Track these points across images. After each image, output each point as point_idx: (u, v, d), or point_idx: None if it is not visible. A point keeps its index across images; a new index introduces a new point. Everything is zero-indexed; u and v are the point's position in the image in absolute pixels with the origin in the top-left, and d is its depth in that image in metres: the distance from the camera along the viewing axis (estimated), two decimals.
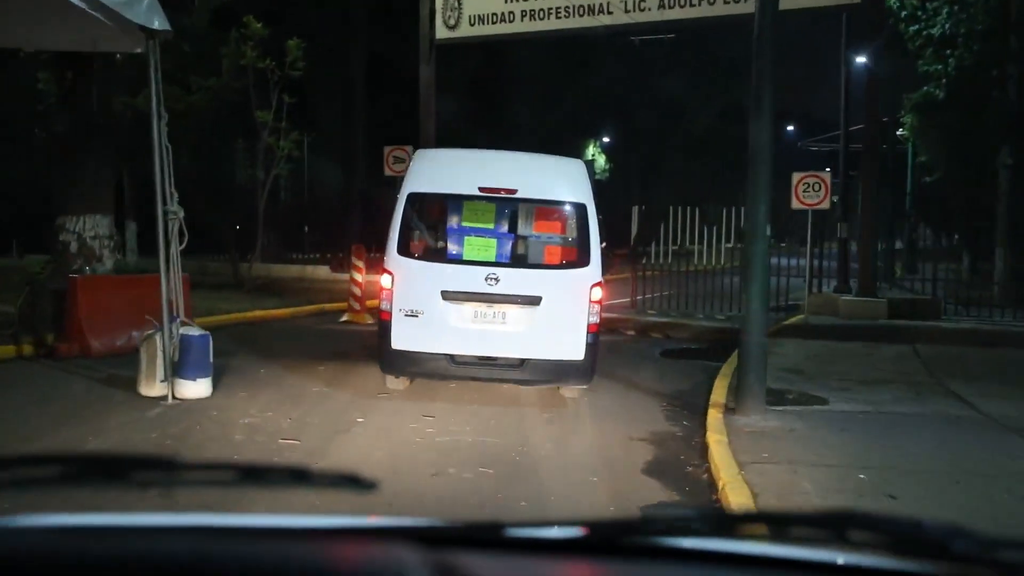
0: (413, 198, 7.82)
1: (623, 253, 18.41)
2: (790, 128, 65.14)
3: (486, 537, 1.17)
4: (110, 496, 1.23)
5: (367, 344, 10.99)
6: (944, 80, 17.19)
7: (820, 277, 18.24)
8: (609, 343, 12.08)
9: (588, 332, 7.62)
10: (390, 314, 7.61)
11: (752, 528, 1.19)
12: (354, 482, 1.27)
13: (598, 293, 7.68)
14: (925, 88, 18.94)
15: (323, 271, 21.67)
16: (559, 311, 7.63)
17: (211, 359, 7.50)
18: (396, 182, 18.18)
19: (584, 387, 8.14)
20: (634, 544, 1.17)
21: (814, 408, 7.70)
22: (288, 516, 1.25)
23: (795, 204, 14.32)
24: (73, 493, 1.19)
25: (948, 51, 17.06)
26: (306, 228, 26.84)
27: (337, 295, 15.52)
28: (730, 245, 17.83)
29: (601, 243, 7.92)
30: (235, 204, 19.99)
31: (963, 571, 1.09)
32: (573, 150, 40.40)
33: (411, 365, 7.77)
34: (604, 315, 8.18)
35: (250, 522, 1.23)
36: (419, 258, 7.81)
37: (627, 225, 35.66)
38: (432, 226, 8.17)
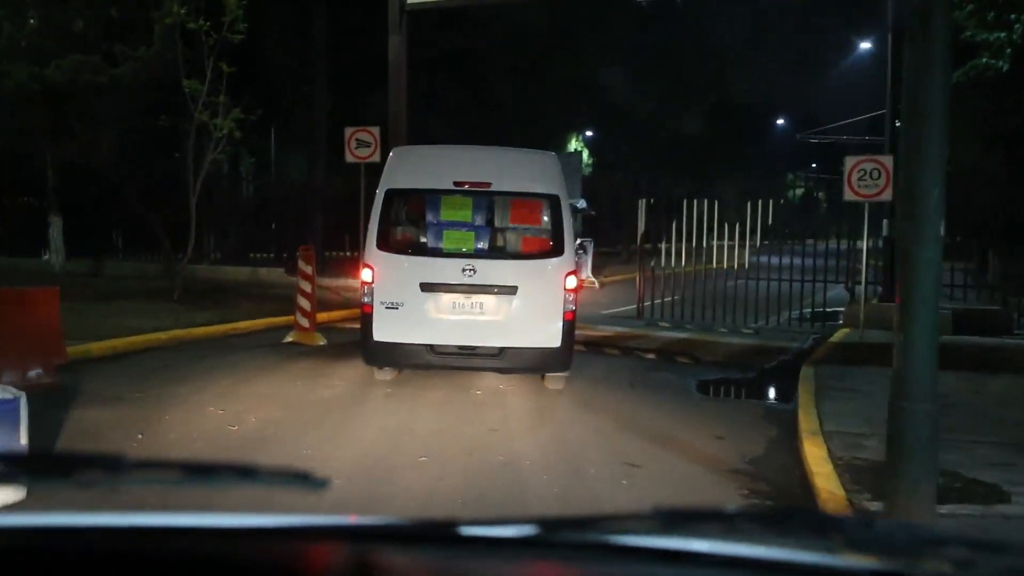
0: (390, 194, 8.08)
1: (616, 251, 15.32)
2: (780, 121, 63.13)
3: (437, 535, 1.20)
4: (51, 494, 1.15)
5: (317, 377, 8.20)
6: (1009, 49, 14.62)
7: (854, 282, 15.64)
8: (627, 369, 9.41)
9: (564, 320, 7.76)
10: (371, 307, 7.86)
11: (703, 526, 1.18)
12: (305, 479, 1.26)
13: (572, 282, 7.84)
14: (977, 61, 16.36)
15: (278, 274, 18.79)
16: (535, 300, 7.84)
17: (23, 439, 4.61)
18: (360, 169, 15.41)
19: (564, 375, 8.24)
20: (587, 542, 1.19)
21: (997, 510, 4.99)
22: (226, 515, 1.23)
23: (848, 195, 11.67)
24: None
25: (1013, 15, 14.49)
26: (273, 225, 23.87)
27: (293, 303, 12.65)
28: (755, 243, 15.13)
29: (587, 238, 8.31)
30: (174, 196, 17.12)
31: (909, 567, 1.09)
32: (555, 143, 37.85)
33: (393, 356, 7.99)
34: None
35: (178, 521, 1.23)
36: (398, 252, 8.02)
37: (613, 221, 32.57)
38: (410, 221, 8.40)
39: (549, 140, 37.67)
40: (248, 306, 13.60)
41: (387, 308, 7.80)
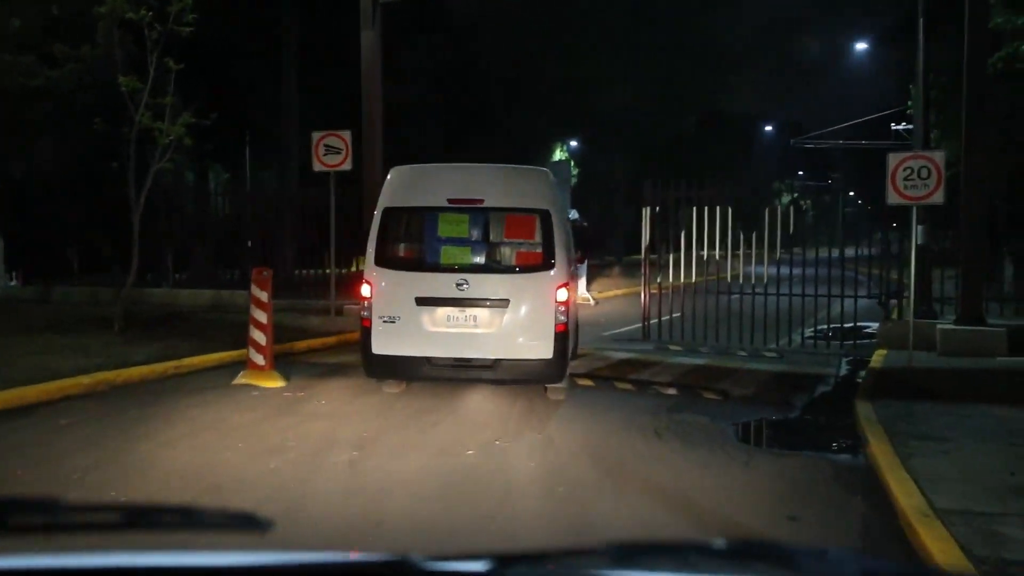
0: (388, 212, 8.34)
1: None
2: (768, 128, 61.96)
3: (392, 572, 1.20)
4: None
5: (264, 437, 6.47)
6: None
7: (888, 296, 14.06)
8: (648, 411, 7.86)
9: (556, 331, 7.86)
10: (370, 321, 8.09)
11: (657, 560, 1.17)
12: (250, 522, 1.26)
13: (564, 294, 7.96)
14: (1011, 47, 14.92)
15: (243, 296, 16.92)
16: (526, 313, 7.99)
17: None
18: (329, 178, 13.72)
19: (559, 385, 8.29)
20: None
21: None
22: (177, 553, 1.20)
23: (892, 198, 10.08)
24: None
25: None
26: (248, 243, 21.99)
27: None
28: (773, 253, 13.52)
29: (576, 252, 9.62)
30: (123, 214, 15.34)
31: None
32: (539, 154, 36.30)
33: (391, 369, 8.18)
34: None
35: (116, 561, 1.19)
36: (394, 267, 8.24)
37: (607, 230, 31.17)
38: (406, 237, 8.56)
39: (535, 148, 36.22)
40: (202, 336, 11.85)
41: (385, 322, 8.05)
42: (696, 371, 10.72)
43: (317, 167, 13.26)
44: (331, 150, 13.22)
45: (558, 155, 39.28)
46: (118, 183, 16.45)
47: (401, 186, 8.47)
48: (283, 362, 10.16)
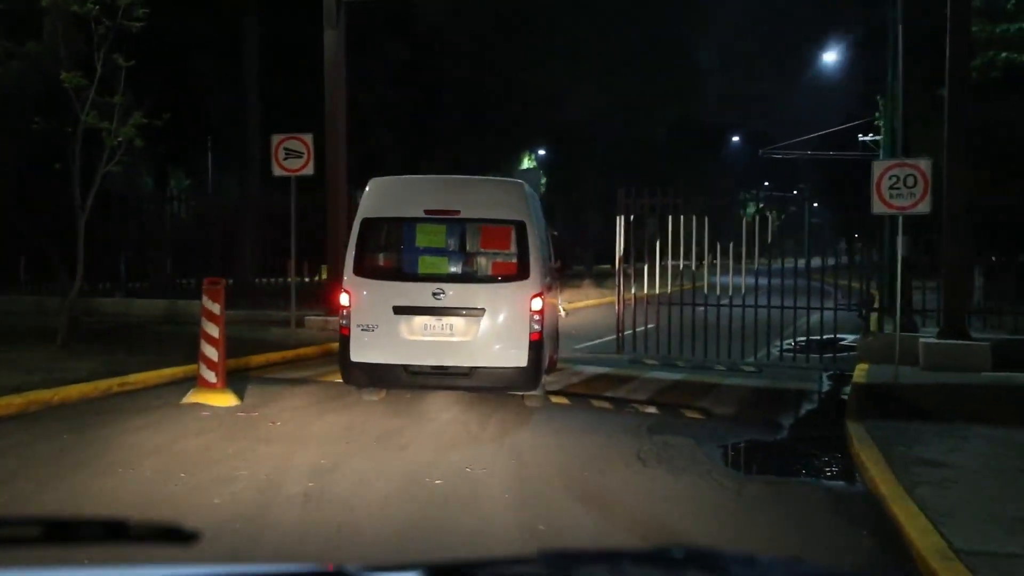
0: (366, 223, 8.42)
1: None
2: (735, 139, 62.13)
3: None
4: None
5: (212, 465, 5.82)
6: None
7: (869, 309, 13.76)
8: (627, 432, 7.37)
9: (530, 340, 7.98)
10: (349, 329, 8.16)
11: (589, 569, 1.17)
12: (175, 535, 1.24)
13: (538, 304, 8.08)
14: (994, 54, 14.74)
15: (198, 306, 16.19)
16: (501, 321, 8.09)
17: None
18: (289, 183, 13.08)
19: (535, 392, 8.34)
20: None
21: None
22: (101, 568, 1.20)
23: (877, 207, 9.72)
24: None
25: None
26: (212, 249, 21.10)
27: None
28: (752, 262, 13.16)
29: (555, 261, 9.96)
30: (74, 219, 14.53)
31: None
32: (506, 163, 35.82)
33: (370, 376, 8.26)
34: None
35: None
36: (372, 277, 8.34)
37: (574, 239, 30.77)
38: (385, 247, 8.75)
39: (503, 156, 35.73)
40: (152, 350, 11.14)
41: (363, 330, 8.11)
42: (675, 387, 10.26)
43: (277, 172, 12.61)
44: (292, 154, 12.58)
45: (526, 163, 38.86)
46: (68, 186, 15.69)
47: (379, 197, 8.55)
48: (238, 378, 9.52)
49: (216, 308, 8.47)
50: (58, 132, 11.13)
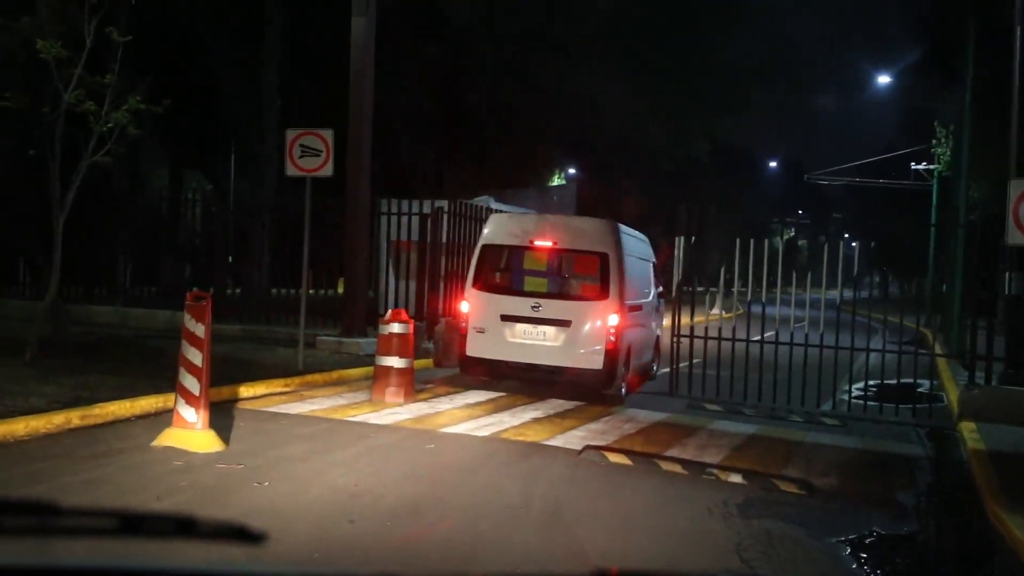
0: (485, 248, 10.72)
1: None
2: (773, 164, 60.20)
3: None
4: None
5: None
6: None
7: (974, 355, 11.90)
8: (714, 513, 5.69)
9: (606, 349, 9.85)
10: (467, 330, 10.30)
11: None
12: (242, 534, 1.26)
13: (615, 320, 9.92)
14: None
15: None
16: (584, 332, 9.99)
17: None
18: (305, 184, 11.51)
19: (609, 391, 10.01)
20: None
21: None
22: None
23: (1015, 237, 7.96)
24: None
25: None
26: (230, 258, 19.52)
27: (212, 366, 8.26)
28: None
29: (659, 286, 12.44)
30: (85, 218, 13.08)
31: None
32: (536, 176, 34.23)
33: (479, 368, 10.34)
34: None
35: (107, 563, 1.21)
36: (486, 291, 10.43)
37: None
38: (497, 267, 10.75)
39: (533, 171, 34.15)
40: (137, 370, 9.54)
41: (477, 332, 10.11)
42: (751, 444, 8.48)
43: (291, 171, 11.02)
44: (308, 151, 10.98)
45: (556, 181, 37.27)
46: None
47: (496, 227, 10.90)
48: (226, 412, 7.91)
49: (200, 330, 6.84)
50: (36, 113, 9.60)
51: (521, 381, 10.34)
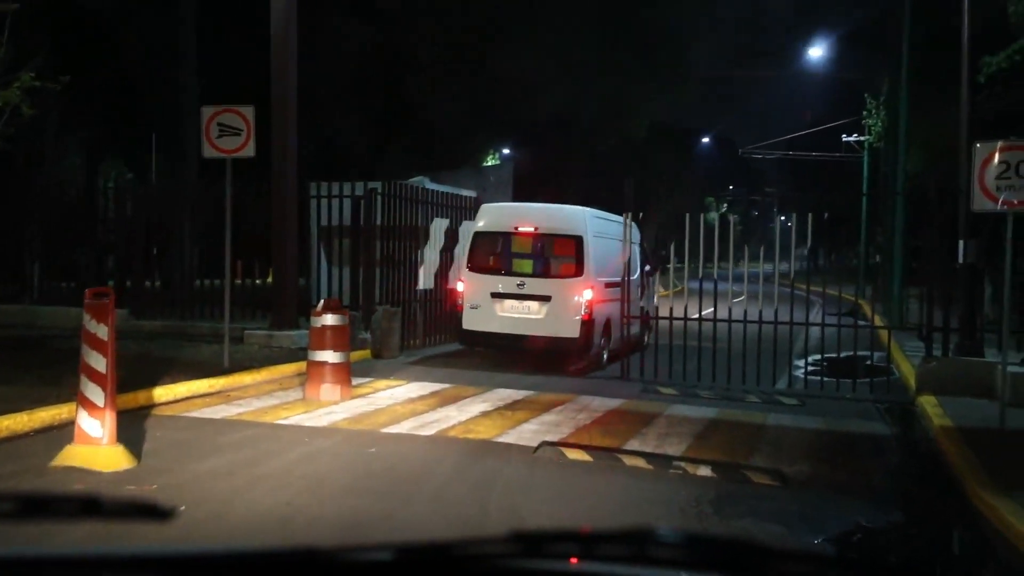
0: (478, 234, 11.99)
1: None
2: (705, 140, 60.47)
3: (295, 562, 1.16)
4: None
5: None
6: None
7: (931, 328, 11.68)
8: (687, 512, 5.03)
9: (581, 320, 11.13)
10: (463, 307, 11.69)
11: (559, 547, 1.17)
12: (150, 511, 1.22)
13: (588, 294, 11.17)
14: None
15: (120, 317, 13.54)
16: (562, 305, 11.23)
17: None
18: (224, 166, 10.60)
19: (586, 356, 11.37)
20: (445, 567, 1.17)
21: None
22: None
23: (980, 202, 7.59)
24: None
25: None
26: (154, 249, 18.22)
27: (127, 367, 7.20)
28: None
29: (648, 266, 14.19)
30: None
31: None
32: (476, 158, 33.44)
33: (474, 339, 11.81)
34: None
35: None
36: (479, 272, 11.75)
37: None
38: (488, 252, 11.94)
39: (466, 150, 33.32)
40: (40, 377, 8.60)
41: (471, 308, 11.57)
42: (713, 430, 8.01)
43: (208, 152, 10.11)
44: (228, 130, 10.09)
45: (490, 161, 36.53)
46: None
47: (485, 216, 12.16)
48: (140, 422, 7.10)
49: (103, 331, 6.00)
50: None
51: (508, 351, 11.61)
